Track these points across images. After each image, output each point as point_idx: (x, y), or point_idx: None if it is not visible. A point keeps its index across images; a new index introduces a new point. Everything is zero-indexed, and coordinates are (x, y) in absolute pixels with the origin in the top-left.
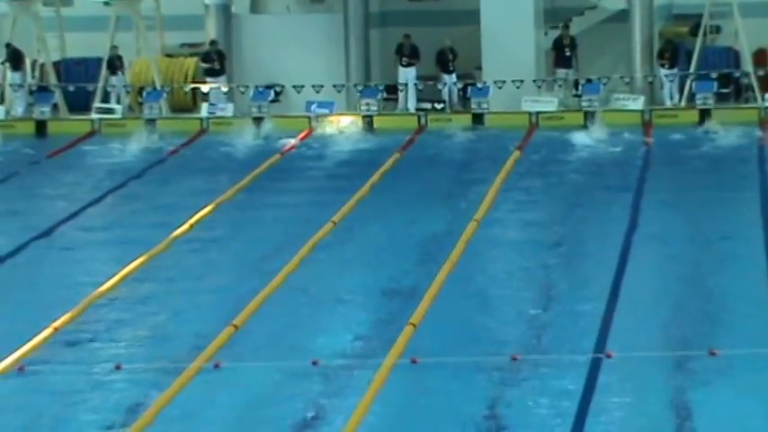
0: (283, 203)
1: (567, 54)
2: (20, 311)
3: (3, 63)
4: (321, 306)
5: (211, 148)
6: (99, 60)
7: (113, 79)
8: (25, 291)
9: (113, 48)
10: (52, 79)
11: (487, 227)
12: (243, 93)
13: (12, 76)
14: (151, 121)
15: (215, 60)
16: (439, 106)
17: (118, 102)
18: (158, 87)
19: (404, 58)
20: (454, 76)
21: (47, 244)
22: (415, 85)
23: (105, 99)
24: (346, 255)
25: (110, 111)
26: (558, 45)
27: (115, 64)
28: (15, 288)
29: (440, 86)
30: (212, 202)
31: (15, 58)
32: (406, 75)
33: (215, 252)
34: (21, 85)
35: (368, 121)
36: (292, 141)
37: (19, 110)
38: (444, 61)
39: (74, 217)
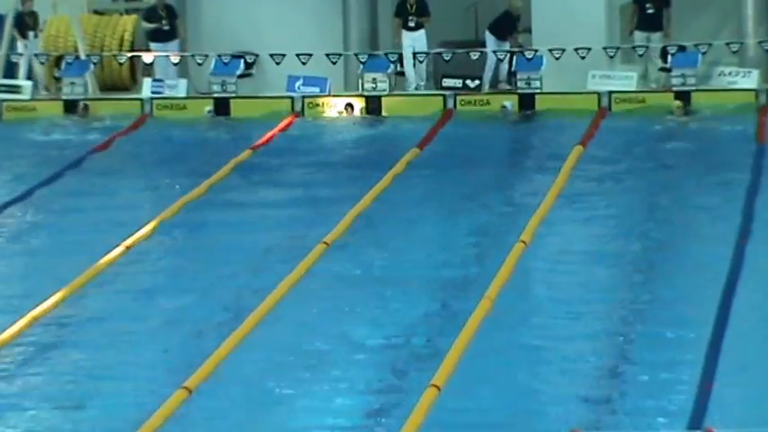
0: (250, 220)
1: (651, 11)
2: None
3: None
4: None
5: (154, 140)
6: (0, 19)
7: (21, 45)
8: None
9: None
10: None
11: (539, 249)
12: (200, 64)
13: None
14: (72, 104)
15: (162, 19)
16: (472, 84)
17: (28, 77)
18: (82, 56)
19: (410, 18)
20: (507, 44)
21: None
22: (427, 54)
23: (8, 72)
24: (343, 294)
25: (14, 89)
26: None
27: (25, 22)
28: None
29: (474, 55)
30: (152, 219)
31: None
32: (413, 40)
33: (143, 299)
34: None
35: (374, 103)
36: (268, 132)
37: None
38: (506, 27)
39: None
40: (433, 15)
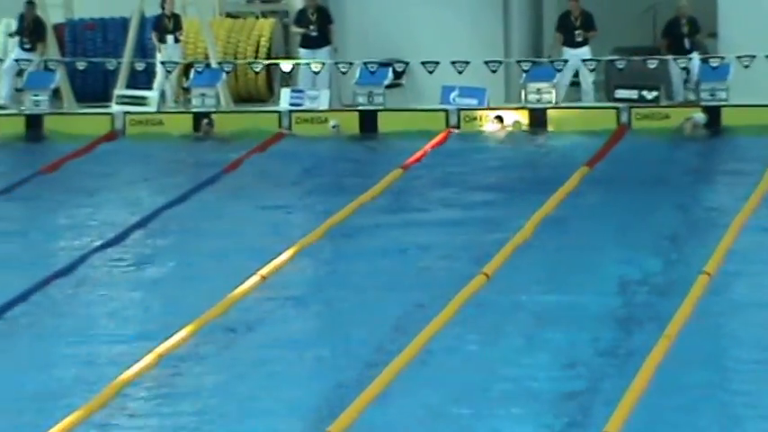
0: (401, 245)
1: None
2: None
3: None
4: None
5: (292, 158)
6: (123, 22)
7: (162, 51)
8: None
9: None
10: (52, 51)
11: (725, 282)
12: (344, 73)
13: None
14: (203, 118)
15: (311, 24)
16: (650, 95)
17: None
18: (213, 64)
19: (576, 33)
20: (696, 54)
21: None
22: (592, 71)
23: (134, 82)
24: (503, 328)
25: (139, 100)
26: None
27: (165, 26)
28: None
29: (651, 64)
30: (291, 245)
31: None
32: (577, 58)
33: (281, 334)
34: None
35: (538, 116)
36: (420, 149)
37: (1, 93)
38: (677, 35)
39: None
40: (606, 19)
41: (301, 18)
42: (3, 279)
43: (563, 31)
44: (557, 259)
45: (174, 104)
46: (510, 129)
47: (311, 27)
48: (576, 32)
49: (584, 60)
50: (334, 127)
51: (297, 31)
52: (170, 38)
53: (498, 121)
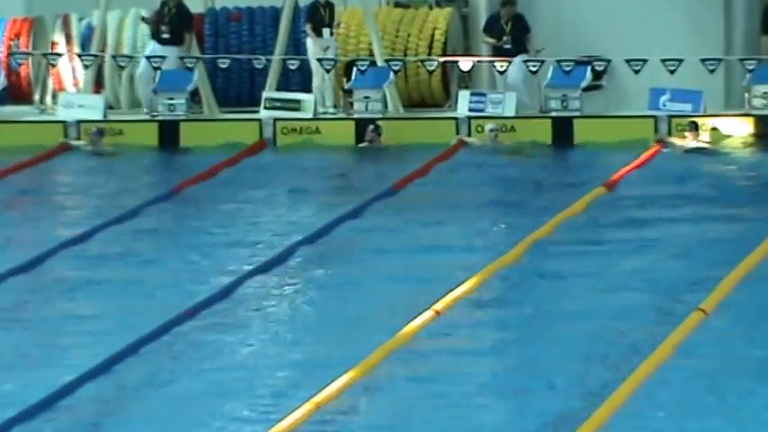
0: (603, 270)
1: None
2: None
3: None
4: None
5: (469, 171)
6: (273, 13)
7: (313, 45)
8: None
9: None
10: (189, 48)
11: None
12: (534, 71)
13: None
14: (367, 125)
15: (506, 35)
16: None
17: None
18: (379, 62)
19: None
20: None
21: None
22: None
23: (285, 83)
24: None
25: (293, 105)
26: None
27: (321, 16)
28: None
29: None
30: (473, 274)
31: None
32: None
33: (462, 383)
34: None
35: (766, 125)
36: (627, 164)
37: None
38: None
39: None
40: None
41: (493, 26)
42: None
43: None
44: None
45: (333, 110)
46: (704, 141)
47: (505, 38)
48: None
49: None
50: (491, 131)
51: (488, 41)
52: (326, 31)
53: (692, 130)
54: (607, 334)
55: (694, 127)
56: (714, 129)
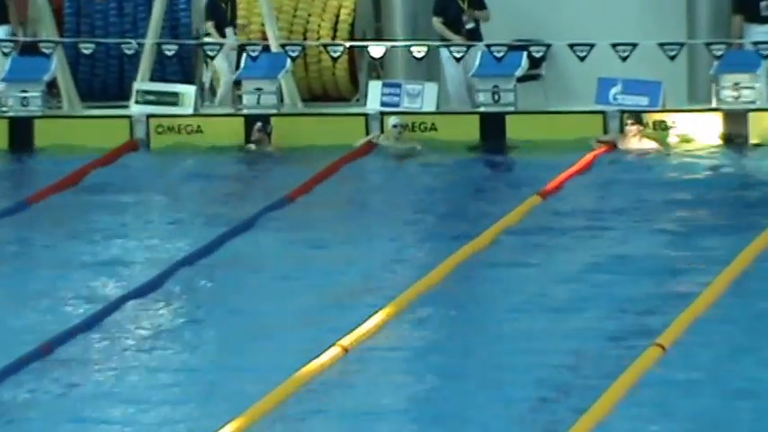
0: (541, 292)
1: None
2: None
3: None
4: None
5: (384, 177)
6: None
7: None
8: None
9: None
10: (45, 30)
11: None
12: (458, 59)
13: None
14: (256, 123)
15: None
16: None
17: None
18: (274, 48)
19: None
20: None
21: None
22: None
23: (161, 72)
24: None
25: (170, 99)
26: None
27: (222, 12)
28: None
29: None
30: (387, 304)
31: None
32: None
33: None
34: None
35: (736, 122)
36: (566, 170)
37: None
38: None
39: None
40: None
41: (447, 4)
42: None
43: (744, 12)
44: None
45: (215, 104)
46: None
47: (464, 18)
48: (763, 4)
49: None
50: (395, 127)
51: (440, 28)
52: (229, 30)
53: (635, 123)
54: (544, 360)
55: (638, 121)
56: (669, 127)
